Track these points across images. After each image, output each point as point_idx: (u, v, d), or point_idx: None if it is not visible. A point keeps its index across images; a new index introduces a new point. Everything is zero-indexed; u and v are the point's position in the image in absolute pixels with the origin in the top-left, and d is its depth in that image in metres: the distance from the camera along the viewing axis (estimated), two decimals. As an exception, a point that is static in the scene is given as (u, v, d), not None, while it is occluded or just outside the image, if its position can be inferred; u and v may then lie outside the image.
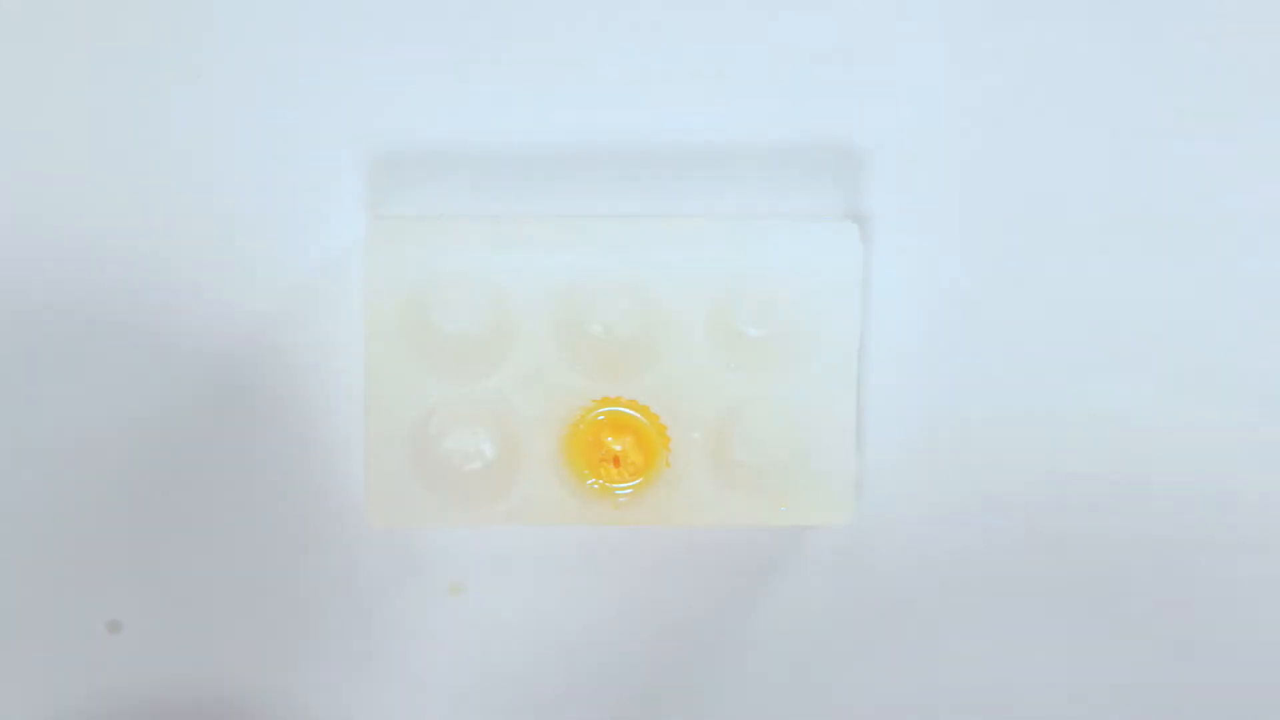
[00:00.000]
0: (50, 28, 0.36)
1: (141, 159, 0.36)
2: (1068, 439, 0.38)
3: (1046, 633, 0.39)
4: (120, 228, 0.36)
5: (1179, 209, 0.37)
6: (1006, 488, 0.38)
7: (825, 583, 0.38)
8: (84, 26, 0.36)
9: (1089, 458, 0.38)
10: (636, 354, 0.36)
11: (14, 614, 0.38)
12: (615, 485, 0.36)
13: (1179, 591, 0.39)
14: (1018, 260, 0.37)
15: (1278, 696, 0.39)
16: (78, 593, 0.38)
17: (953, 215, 0.37)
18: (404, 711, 0.39)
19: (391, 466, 0.36)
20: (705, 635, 0.38)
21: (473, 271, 0.35)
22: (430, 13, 0.36)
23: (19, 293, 0.37)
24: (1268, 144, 0.37)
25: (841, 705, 0.39)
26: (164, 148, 0.36)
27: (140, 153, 0.36)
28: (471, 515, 0.36)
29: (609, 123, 0.36)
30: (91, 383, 0.37)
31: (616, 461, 0.35)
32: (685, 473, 0.36)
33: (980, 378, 0.38)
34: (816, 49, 0.36)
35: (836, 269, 0.36)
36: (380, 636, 0.38)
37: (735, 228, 0.36)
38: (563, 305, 0.35)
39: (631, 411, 0.36)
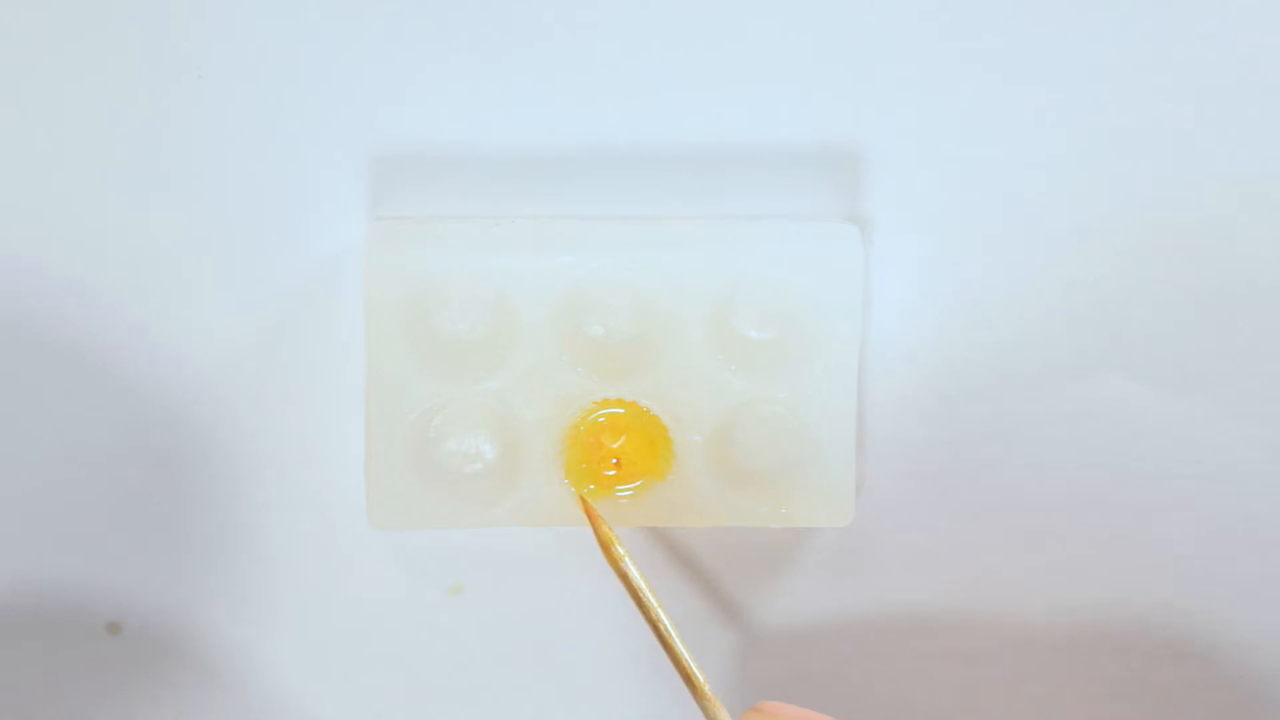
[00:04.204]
0: (50, 28, 0.35)
1: (142, 159, 0.36)
2: (1066, 439, 0.38)
3: (1046, 632, 0.39)
4: (120, 228, 0.36)
5: (1179, 210, 0.37)
6: (1006, 488, 0.38)
7: (825, 583, 0.38)
8: (84, 27, 0.35)
9: (1088, 458, 0.38)
10: (637, 355, 0.36)
11: (14, 614, 0.38)
12: (615, 486, 0.36)
13: (1179, 590, 0.39)
14: (1017, 261, 0.37)
15: (1276, 692, 0.39)
16: (78, 593, 0.38)
17: (953, 216, 0.37)
18: (405, 711, 0.39)
19: (392, 468, 0.36)
20: (705, 636, 0.38)
21: (473, 271, 0.35)
22: (431, 14, 0.36)
23: (19, 294, 0.37)
24: (1268, 145, 0.37)
25: (842, 704, 0.39)
26: (164, 148, 0.36)
27: (140, 153, 0.36)
28: (472, 517, 0.36)
29: (609, 123, 0.36)
30: (92, 383, 0.37)
31: (617, 464, 0.35)
32: (686, 474, 0.36)
33: (980, 378, 0.38)
34: (817, 50, 0.36)
35: (837, 271, 0.36)
36: (380, 636, 0.38)
37: (735, 229, 0.36)
38: (563, 306, 0.35)
39: (631, 414, 0.36)
